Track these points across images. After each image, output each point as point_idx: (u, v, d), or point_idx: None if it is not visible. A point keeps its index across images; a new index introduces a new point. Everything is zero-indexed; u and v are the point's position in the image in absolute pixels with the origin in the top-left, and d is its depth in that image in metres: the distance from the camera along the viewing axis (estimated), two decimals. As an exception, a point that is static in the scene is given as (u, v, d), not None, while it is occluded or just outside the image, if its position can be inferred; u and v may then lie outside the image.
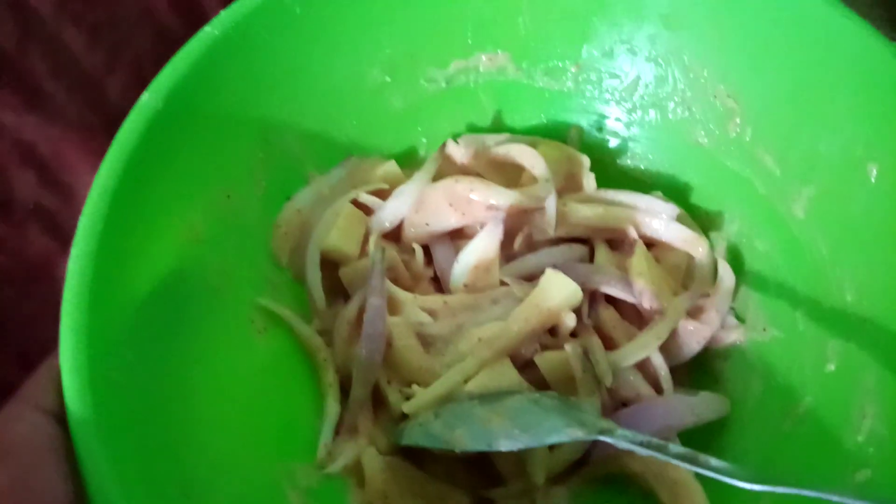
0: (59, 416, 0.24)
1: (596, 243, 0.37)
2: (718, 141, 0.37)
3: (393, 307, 0.34)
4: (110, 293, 0.26)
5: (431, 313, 0.34)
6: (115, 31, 0.41)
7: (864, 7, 0.41)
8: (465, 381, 0.31)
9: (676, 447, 0.27)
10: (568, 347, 0.32)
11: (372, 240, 0.36)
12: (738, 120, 0.36)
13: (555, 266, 0.34)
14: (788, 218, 0.35)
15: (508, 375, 0.32)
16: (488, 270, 0.35)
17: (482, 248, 0.34)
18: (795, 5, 0.32)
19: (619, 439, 0.28)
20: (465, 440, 0.29)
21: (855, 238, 0.32)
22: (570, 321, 0.33)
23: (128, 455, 0.24)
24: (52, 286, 0.25)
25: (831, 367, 0.32)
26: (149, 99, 0.29)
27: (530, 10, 0.38)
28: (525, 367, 0.33)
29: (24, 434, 0.24)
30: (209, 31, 0.31)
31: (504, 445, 0.28)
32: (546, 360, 0.33)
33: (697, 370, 0.36)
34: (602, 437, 0.29)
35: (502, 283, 0.35)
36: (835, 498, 0.25)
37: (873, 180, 0.31)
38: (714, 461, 0.26)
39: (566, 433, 0.28)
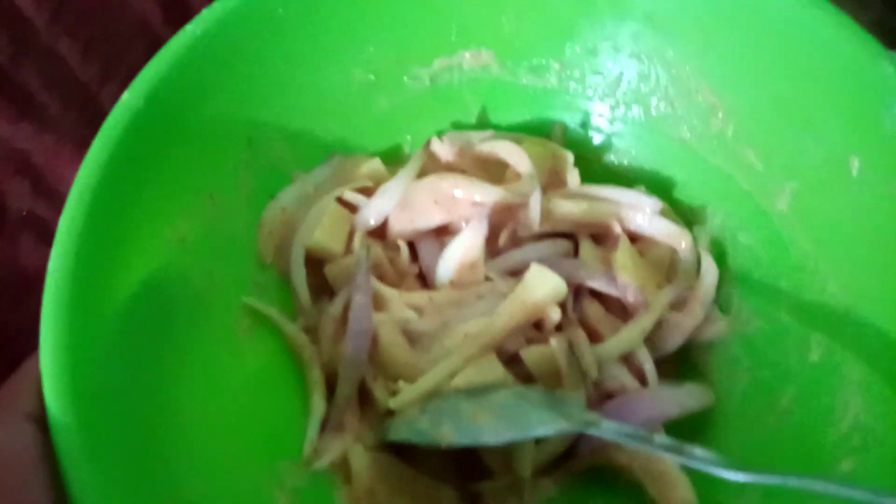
0: (40, 421, 0.24)
1: (580, 238, 0.37)
2: (701, 136, 0.38)
3: (378, 304, 0.34)
4: (91, 295, 0.26)
5: (417, 310, 0.34)
6: (109, 43, 0.41)
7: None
8: (452, 377, 0.31)
9: (661, 438, 0.27)
10: (553, 341, 0.32)
11: (357, 237, 0.36)
12: (720, 115, 0.37)
13: (539, 261, 0.34)
14: (771, 212, 0.35)
15: (494, 370, 0.32)
16: (473, 266, 0.35)
17: (467, 244, 0.35)
18: (777, 2, 0.33)
19: (605, 431, 0.28)
20: (452, 435, 0.29)
21: (838, 230, 0.32)
22: (555, 315, 0.33)
23: (111, 461, 0.24)
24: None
25: (815, 357, 0.32)
26: (129, 98, 0.29)
27: (514, 8, 0.38)
28: (511, 361, 0.33)
29: (4, 439, 0.24)
30: (190, 30, 0.31)
31: (490, 439, 0.28)
32: (531, 354, 0.33)
33: (682, 363, 0.36)
34: (588, 430, 0.29)
35: (487, 279, 0.35)
36: (819, 486, 0.25)
37: (855, 174, 0.32)
38: (699, 451, 0.26)
39: (552, 426, 0.28)
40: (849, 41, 0.31)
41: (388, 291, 0.34)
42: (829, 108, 0.33)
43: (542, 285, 0.33)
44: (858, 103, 0.31)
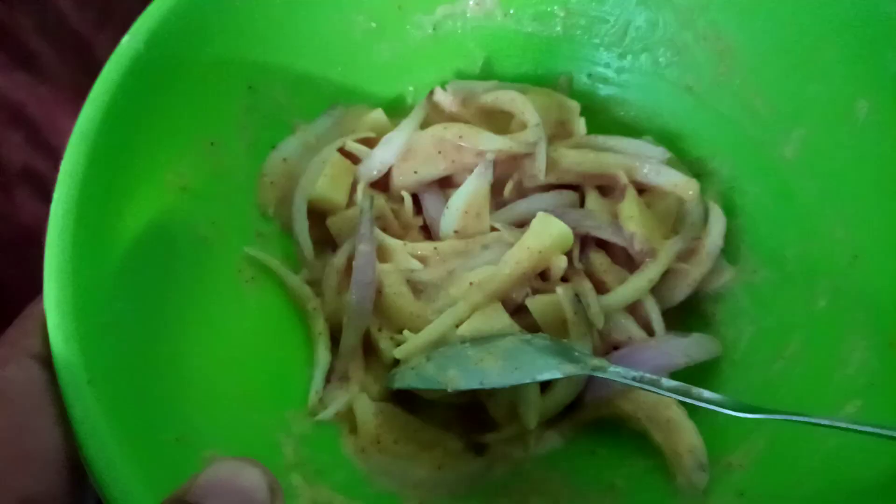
0: (46, 361, 0.24)
1: (586, 189, 0.37)
2: (708, 85, 0.37)
3: (383, 255, 0.34)
4: (94, 239, 0.26)
5: (422, 260, 0.33)
6: None
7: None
8: (457, 326, 0.31)
9: (668, 381, 0.27)
10: (559, 290, 0.32)
11: (360, 188, 0.35)
12: (728, 63, 0.36)
13: (545, 211, 0.34)
14: (779, 160, 0.35)
15: (500, 319, 0.31)
16: (478, 216, 0.34)
17: (471, 192, 0.34)
18: None
19: (612, 375, 0.28)
20: (458, 380, 0.29)
21: (845, 176, 0.32)
22: (561, 264, 0.33)
23: (116, 398, 0.24)
24: (44, 251, 0.25)
25: (822, 303, 0.32)
26: (130, 42, 0.28)
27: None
28: (517, 311, 0.33)
29: (12, 378, 0.23)
30: None
31: (497, 382, 0.28)
32: (538, 304, 0.32)
33: (689, 314, 0.36)
34: (594, 374, 0.29)
35: (493, 230, 0.35)
36: (825, 423, 0.25)
37: (862, 117, 0.31)
38: (706, 393, 0.26)
39: (558, 370, 0.28)
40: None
41: (392, 242, 0.34)
42: (836, 50, 0.32)
43: (549, 233, 0.32)
44: (865, 45, 0.31)
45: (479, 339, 0.30)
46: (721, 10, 0.36)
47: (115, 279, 0.26)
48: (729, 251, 0.36)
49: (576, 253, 0.34)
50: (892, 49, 0.30)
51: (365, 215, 0.33)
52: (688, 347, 0.32)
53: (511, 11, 0.39)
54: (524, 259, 0.32)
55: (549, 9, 0.39)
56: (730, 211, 0.36)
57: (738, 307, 0.34)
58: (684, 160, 0.38)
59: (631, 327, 0.33)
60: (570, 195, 0.37)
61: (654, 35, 0.38)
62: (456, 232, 0.34)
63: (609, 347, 0.33)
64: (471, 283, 0.32)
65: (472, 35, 0.40)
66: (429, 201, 0.36)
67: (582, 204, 0.37)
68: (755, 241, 0.35)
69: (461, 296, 0.32)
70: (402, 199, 0.36)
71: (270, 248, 0.34)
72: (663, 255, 0.34)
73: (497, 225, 0.35)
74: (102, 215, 0.27)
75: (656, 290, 0.34)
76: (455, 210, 0.34)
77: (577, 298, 0.32)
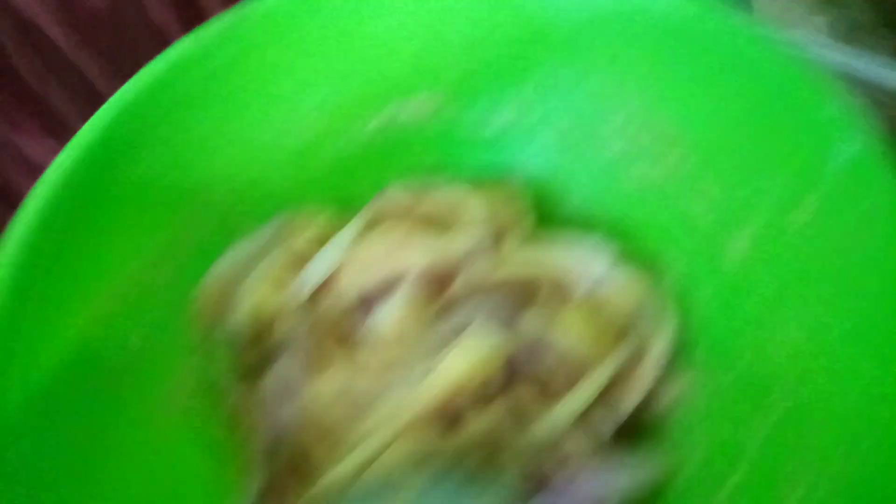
0: None
1: (532, 290, 0.36)
2: (660, 179, 0.36)
3: (316, 369, 0.33)
4: (10, 371, 0.26)
5: (355, 374, 0.33)
6: (131, 59, 0.41)
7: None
8: (384, 450, 0.30)
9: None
10: (493, 408, 0.31)
11: (298, 298, 0.35)
12: (679, 157, 0.35)
13: (486, 317, 0.33)
14: (730, 258, 0.33)
15: (429, 442, 0.30)
16: (413, 325, 0.33)
17: (405, 301, 0.33)
18: (733, 43, 0.31)
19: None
20: None
21: (798, 273, 0.30)
22: (495, 379, 0.32)
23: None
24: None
25: (776, 415, 0.30)
26: (64, 160, 0.29)
27: (467, 49, 0.37)
28: (451, 427, 0.32)
29: None
30: (129, 88, 0.31)
31: None
32: (471, 422, 0.31)
33: (635, 427, 0.34)
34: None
35: (431, 337, 0.34)
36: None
37: (812, 212, 0.30)
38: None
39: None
40: (793, 77, 0.30)
41: (327, 354, 0.33)
42: (788, 147, 0.31)
43: (481, 348, 0.31)
44: (809, 141, 0.30)
45: (395, 478, 0.29)
46: (674, 104, 0.34)
47: (29, 418, 0.26)
48: (681, 354, 0.34)
49: (515, 362, 0.33)
50: (834, 144, 0.29)
51: (300, 329, 0.33)
52: (630, 471, 0.30)
53: (462, 106, 0.39)
54: (455, 375, 0.31)
55: (499, 104, 0.39)
56: (684, 310, 0.35)
57: (688, 420, 0.32)
58: (636, 256, 0.36)
59: (572, 444, 0.31)
60: (514, 297, 0.35)
61: (606, 127, 0.37)
62: (391, 342, 0.34)
63: (548, 466, 0.32)
64: (400, 403, 0.31)
65: (423, 132, 0.39)
66: (369, 307, 0.35)
67: (527, 304, 0.36)
68: (709, 345, 0.33)
69: (391, 416, 0.31)
70: (342, 306, 0.35)
71: (206, 365, 0.34)
72: (608, 364, 0.32)
73: (435, 333, 0.34)
74: (21, 348, 0.27)
75: (600, 400, 0.32)
76: (390, 320, 0.34)
77: (513, 415, 0.31)
